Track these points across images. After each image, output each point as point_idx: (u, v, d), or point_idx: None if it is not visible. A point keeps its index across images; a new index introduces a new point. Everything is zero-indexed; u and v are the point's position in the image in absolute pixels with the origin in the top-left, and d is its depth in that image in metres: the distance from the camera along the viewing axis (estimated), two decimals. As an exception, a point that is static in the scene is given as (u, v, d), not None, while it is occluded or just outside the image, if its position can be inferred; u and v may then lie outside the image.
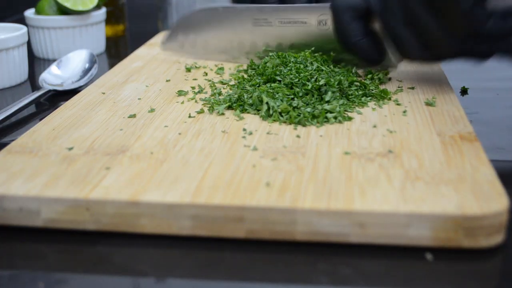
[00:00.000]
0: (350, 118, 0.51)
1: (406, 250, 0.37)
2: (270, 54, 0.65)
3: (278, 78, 0.57)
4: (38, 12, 0.82)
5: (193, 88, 0.61)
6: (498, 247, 0.38)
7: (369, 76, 0.61)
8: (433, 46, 0.54)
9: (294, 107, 0.52)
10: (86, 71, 0.70)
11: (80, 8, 0.81)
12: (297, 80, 0.55)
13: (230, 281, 0.35)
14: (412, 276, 0.35)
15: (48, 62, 0.81)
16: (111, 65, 0.74)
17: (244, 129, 0.49)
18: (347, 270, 0.36)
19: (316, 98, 0.54)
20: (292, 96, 0.54)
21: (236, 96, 0.55)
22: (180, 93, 0.59)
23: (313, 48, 0.64)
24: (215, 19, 0.70)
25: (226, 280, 0.35)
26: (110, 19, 0.94)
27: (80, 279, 0.36)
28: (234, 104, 0.54)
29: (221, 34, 0.70)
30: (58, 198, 0.39)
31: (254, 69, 0.64)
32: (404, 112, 0.53)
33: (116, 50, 0.92)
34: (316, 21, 0.63)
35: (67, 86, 0.67)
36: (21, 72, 0.72)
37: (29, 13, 0.83)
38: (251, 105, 0.54)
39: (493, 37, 0.51)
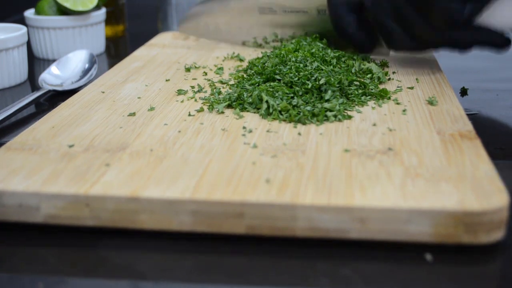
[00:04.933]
0: (349, 117, 0.51)
1: (406, 250, 0.37)
2: (268, 54, 0.66)
3: (278, 77, 0.57)
4: (38, 12, 0.82)
5: (192, 87, 0.61)
6: (498, 244, 0.38)
7: (369, 75, 0.61)
8: (418, 37, 0.59)
9: (293, 106, 0.52)
10: (85, 72, 0.70)
11: (80, 8, 0.81)
12: (296, 79, 0.56)
13: (230, 283, 0.35)
14: (411, 277, 0.35)
15: (47, 62, 0.82)
16: (111, 65, 0.74)
17: (244, 127, 0.49)
18: (347, 270, 0.36)
19: (316, 97, 0.54)
20: (292, 95, 0.54)
21: (235, 94, 0.55)
22: (180, 92, 0.59)
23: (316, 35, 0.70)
24: (225, 7, 0.77)
25: (225, 282, 0.35)
26: (110, 20, 0.94)
27: (79, 280, 0.35)
28: (234, 103, 0.54)
29: (231, 21, 0.77)
30: (57, 194, 0.39)
31: (252, 68, 0.64)
32: (404, 111, 0.53)
33: (115, 51, 0.92)
34: (316, 10, 0.69)
35: (67, 86, 0.67)
36: (21, 72, 0.72)
37: (29, 13, 0.83)
38: (250, 103, 0.54)
39: (472, 27, 0.57)
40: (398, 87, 0.60)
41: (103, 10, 0.86)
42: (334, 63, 0.61)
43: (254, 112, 0.53)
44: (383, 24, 0.61)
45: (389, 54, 0.68)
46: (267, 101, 0.53)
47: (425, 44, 0.60)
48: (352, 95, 0.56)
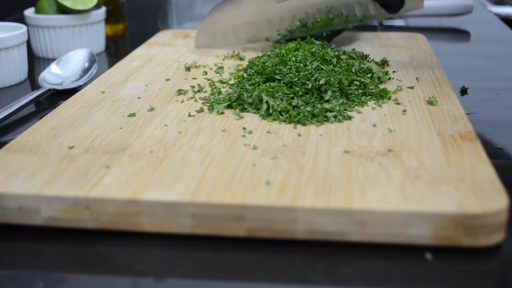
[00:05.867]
0: (350, 117, 0.51)
1: (406, 249, 0.37)
2: (268, 53, 0.66)
3: (278, 77, 0.57)
4: (37, 11, 0.82)
5: (192, 87, 0.61)
6: (498, 246, 0.38)
7: (369, 75, 0.61)
8: None
9: (293, 106, 0.52)
10: (85, 70, 0.70)
11: (79, 7, 0.81)
12: (296, 79, 0.55)
13: (230, 281, 0.35)
14: (412, 276, 0.35)
15: (47, 61, 0.81)
16: (111, 64, 0.74)
17: (244, 128, 0.49)
18: (346, 269, 0.36)
19: (316, 97, 0.54)
20: (292, 95, 0.54)
21: (235, 95, 0.55)
22: (180, 92, 0.59)
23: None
24: (240, 8, 0.73)
25: (226, 280, 0.35)
26: (109, 18, 0.94)
27: (79, 278, 0.36)
28: (234, 103, 0.54)
29: (249, 19, 0.73)
30: (57, 197, 0.39)
31: (253, 68, 0.64)
32: (404, 111, 0.53)
33: (115, 49, 0.92)
34: None
35: (67, 85, 0.67)
36: (21, 71, 0.72)
37: (29, 12, 0.83)
38: (250, 104, 0.54)
39: None
40: (398, 86, 0.60)
41: (103, 9, 0.86)
42: (334, 63, 0.61)
43: (254, 113, 0.53)
44: None
45: (422, 5, 0.65)
46: (267, 102, 0.53)
47: None
48: (352, 95, 0.56)
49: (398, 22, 1.02)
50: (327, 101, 0.53)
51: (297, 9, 0.70)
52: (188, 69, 0.68)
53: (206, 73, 0.66)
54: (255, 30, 0.74)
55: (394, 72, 0.65)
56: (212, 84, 0.62)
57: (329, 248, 0.38)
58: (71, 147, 0.46)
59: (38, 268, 0.36)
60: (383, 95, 0.56)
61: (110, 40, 0.95)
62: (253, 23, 0.73)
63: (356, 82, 0.58)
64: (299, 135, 0.48)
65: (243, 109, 0.54)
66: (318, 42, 0.68)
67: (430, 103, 0.54)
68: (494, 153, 0.50)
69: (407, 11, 0.66)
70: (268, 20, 0.72)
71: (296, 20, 0.71)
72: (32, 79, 0.74)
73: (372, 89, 0.58)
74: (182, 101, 0.57)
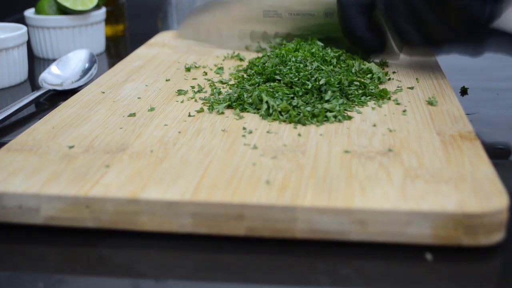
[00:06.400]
0: (349, 117, 0.51)
1: (406, 250, 0.37)
2: (269, 54, 0.66)
3: (278, 77, 0.57)
4: (38, 12, 0.82)
5: (192, 87, 0.61)
6: (498, 246, 0.38)
7: (369, 75, 0.61)
8: (433, 38, 0.58)
9: (294, 106, 0.52)
10: (86, 71, 0.70)
11: (80, 8, 0.81)
12: (296, 79, 0.56)
13: (230, 282, 0.35)
14: (412, 276, 0.35)
15: (48, 62, 0.81)
16: (111, 64, 0.74)
17: (244, 128, 0.49)
18: (347, 270, 0.36)
19: (316, 98, 0.54)
20: (292, 95, 0.54)
21: (236, 95, 0.55)
22: (180, 92, 0.59)
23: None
24: (228, 10, 0.74)
25: (226, 281, 0.35)
26: (110, 19, 0.94)
27: (80, 279, 0.35)
28: (234, 103, 0.54)
29: (234, 25, 0.74)
30: (57, 196, 0.39)
31: (253, 68, 0.64)
32: (404, 111, 0.53)
33: (116, 50, 0.92)
34: (323, 13, 0.68)
35: (67, 86, 0.67)
36: (21, 72, 0.72)
37: (29, 12, 0.83)
38: (250, 104, 0.54)
39: (489, 29, 0.56)
40: (398, 87, 0.60)
41: (103, 10, 0.86)
42: (334, 63, 0.61)
43: (254, 113, 0.53)
44: (396, 25, 0.60)
45: (399, 57, 0.66)
46: (267, 102, 0.53)
47: (439, 45, 0.59)
48: (352, 96, 0.56)
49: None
50: (327, 101, 0.53)
51: (281, 27, 0.72)
52: (188, 69, 0.68)
53: (206, 73, 0.66)
54: (237, 36, 0.75)
55: (394, 72, 0.65)
56: (212, 84, 0.62)
57: (329, 248, 0.38)
58: (71, 147, 0.46)
59: (38, 269, 0.36)
60: (383, 96, 0.56)
61: (110, 41, 0.95)
62: (237, 30, 0.74)
63: (356, 83, 0.58)
64: (299, 135, 0.48)
65: (243, 109, 0.54)
66: (318, 43, 0.68)
67: (430, 103, 0.55)
68: (494, 152, 0.50)
69: (384, 59, 0.67)
70: (252, 31, 0.74)
71: (278, 38, 0.72)
72: (32, 80, 0.74)
73: (372, 90, 0.58)
74: (182, 101, 0.57)
